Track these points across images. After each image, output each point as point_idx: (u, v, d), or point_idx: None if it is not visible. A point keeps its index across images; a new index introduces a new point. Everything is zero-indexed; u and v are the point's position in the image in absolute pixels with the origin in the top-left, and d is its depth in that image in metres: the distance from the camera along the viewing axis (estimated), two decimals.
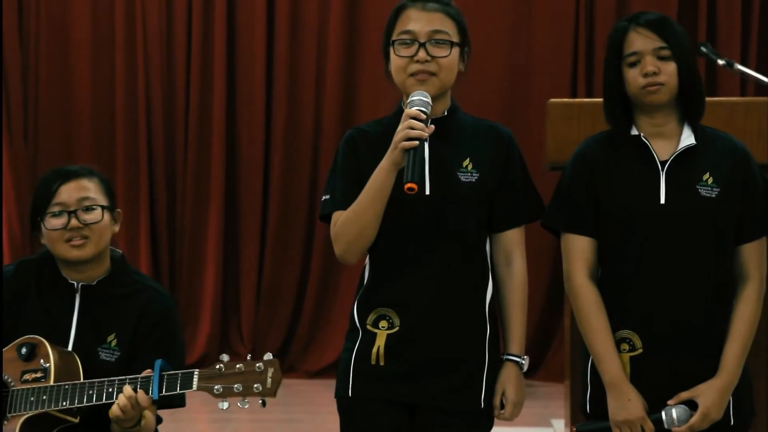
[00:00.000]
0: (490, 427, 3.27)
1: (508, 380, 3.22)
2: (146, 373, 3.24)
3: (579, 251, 3.23)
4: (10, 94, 8.54)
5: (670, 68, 3.17)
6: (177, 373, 3.20)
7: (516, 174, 3.27)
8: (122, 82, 8.56)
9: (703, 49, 5.05)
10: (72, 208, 3.42)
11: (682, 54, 3.17)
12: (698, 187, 3.18)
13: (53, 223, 3.42)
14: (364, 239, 3.13)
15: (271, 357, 3.14)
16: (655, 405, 3.16)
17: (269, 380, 3.11)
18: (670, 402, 3.15)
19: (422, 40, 3.16)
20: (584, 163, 3.25)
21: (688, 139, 3.21)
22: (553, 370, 8.24)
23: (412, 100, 3.12)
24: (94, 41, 8.60)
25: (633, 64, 3.18)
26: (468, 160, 3.21)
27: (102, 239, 3.46)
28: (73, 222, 3.41)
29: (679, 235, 3.16)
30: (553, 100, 4.17)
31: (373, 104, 8.25)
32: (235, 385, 3.12)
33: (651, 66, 3.15)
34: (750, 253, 3.22)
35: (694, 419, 3.12)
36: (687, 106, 3.21)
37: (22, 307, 3.47)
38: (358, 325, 3.21)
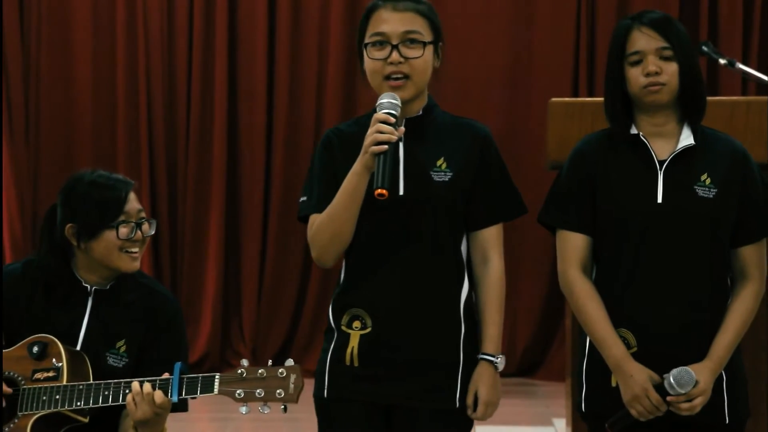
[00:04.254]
0: (470, 427, 3.25)
1: (481, 380, 3.19)
2: (166, 375, 3.24)
3: (573, 248, 3.23)
4: (11, 94, 8.55)
5: (672, 68, 3.17)
6: (198, 377, 3.19)
7: (492, 171, 3.24)
8: (123, 82, 8.56)
9: (705, 48, 5.05)
10: (135, 220, 3.45)
11: (684, 54, 3.17)
12: (696, 187, 3.18)
13: (124, 231, 3.43)
14: (339, 243, 3.14)
15: (293, 363, 3.13)
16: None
17: (291, 386, 3.10)
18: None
19: (395, 42, 3.14)
20: (582, 160, 3.24)
21: (687, 139, 3.21)
22: (555, 370, 8.25)
23: (381, 103, 3.11)
24: (95, 41, 8.60)
25: (635, 63, 3.18)
26: (442, 159, 3.19)
27: (145, 248, 3.50)
28: (137, 234, 3.44)
29: (676, 235, 3.16)
30: (554, 99, 4.17)
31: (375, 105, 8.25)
32: (257, 390, 3.11)
33: (653, 66, 3.15)
34: (750, 254, 3.22)
35: (696, 391, 3.10)
36: (687, 106, 3.21)
37: (29, 307, 3.46)
38: (333, 325, 3.21)
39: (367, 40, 3.18)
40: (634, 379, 3.13)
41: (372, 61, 3.17)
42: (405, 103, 3.15)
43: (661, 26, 3.18)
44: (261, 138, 8.61)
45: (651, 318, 3.16)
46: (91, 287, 3.46)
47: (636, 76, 3.18)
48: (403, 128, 3.08)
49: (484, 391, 3.19)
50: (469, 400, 3.19)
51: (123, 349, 3.43)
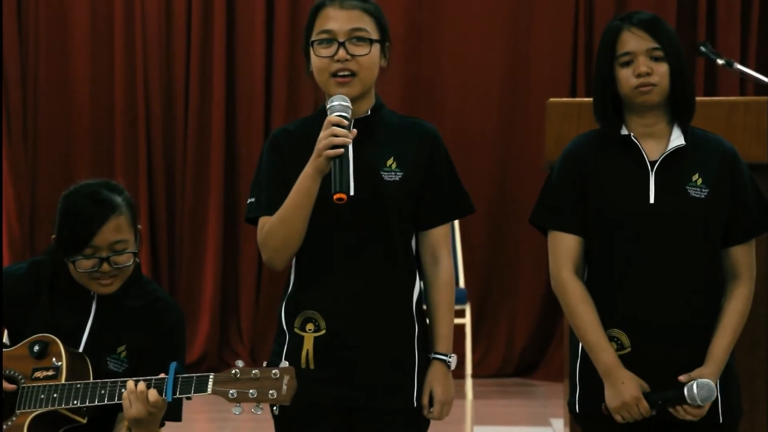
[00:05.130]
0: (426, 427, 3.25)
1: (435, 379, 3.18)
2: (162, 375, 3.24)
3: (565, 249, 3.23)
4: (9, 95, 8.55)
5: (663, 69, 3.17)
6: (192, 376, 3.19)
7: (441, 171, 3.23)
8: (121, 83, 8.57)
9: (703, 48, 5.06)
10: (105, 254, 3.38)
11: (674, 55, 3.18)
12: (687, 187, 3.18)
13: (84, 265, 3.38)
14: (291, 246, 3.14)
15: (287, 364, 3.12)
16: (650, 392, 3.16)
17: (284, 387, 3.07)
18: (682, 378, 3.13)
19: (341, 39, 3.14)
20: (573, 161, 3.25)
21: (677, 139, 3.21)
22: (552, 370, 8.25)
23: (332, 106, 3.11)
24: (93, 42, 8.61)
25: (626, 64, 3.19)
26: (392, 159, 3.18)
27: (127, 274, 3.44)
28: (105, 267, 3.38)
29: (668, 236, 3.16)
30: (552, 99, 4.17)
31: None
32: (250, 391, 3.09)
33: (644, 66, 3.16)
34: (740, 254, 3.22)
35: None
36: (677, 107, 3.22)
37: (33, 307, 3.46)
38: (285, 328, 3.20)
39: (313, 38, 3.17)
40: (625, 386, 3.13)
41: (319, 58, 3.16)
42: (352, 101, 3.16)
43: (651, 27, 3.18)
44: (259, 137, 8.61)
45: (644, 318, 3.16)
46: (94, 292, 3.46)
47: (627, 77, 3.18)
48: (355, 131, 3.08)
49: (439, 390, 3.18)
50: (425, 400, 3.18)
51: (124, 354, 3.43)
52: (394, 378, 3.17)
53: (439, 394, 3.18)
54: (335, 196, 3.02)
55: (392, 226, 3.17)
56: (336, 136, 3.04)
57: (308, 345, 3.16)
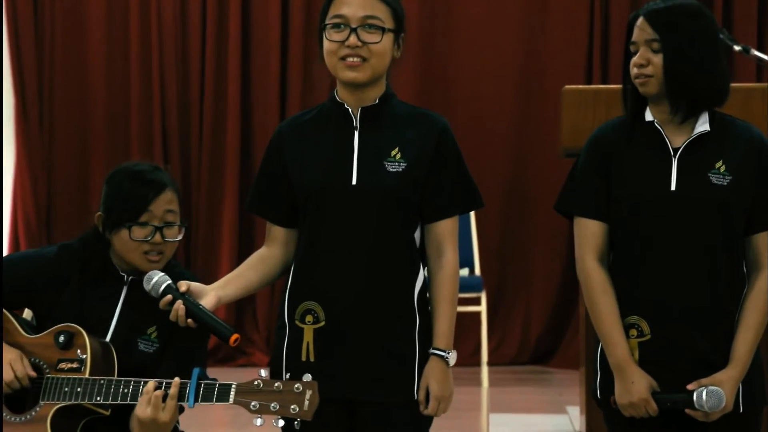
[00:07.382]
0: (431, 420, 3.22)
1: (431, 374, 3.15)
2: (177, 379, 3.25)
3: (590, 235, 3.23)
4: (25, 84, 8.57)
5: (659, 60, 3.16)
6: (214, 384, 3.19)
7: (447, 164, 3.20)
8: (137, 72, 8.58)
9: (720, 35, 5.04)
10: (158, 223, 3.45)
11: (673, 45, 3.14)
12: (710, 174, 3.17)
13: (139, 233, 3.43)
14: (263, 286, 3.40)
15: (310, 378, 3.10)
16: (662, 391, 3.15)
17: (306, 402, 3.05)
18: (690, 386, 3.13)
19: (354, 25, 3.12)
20: (598, 147, 3.24)
21: (702, 125, 3.20)
22: (568, 358, 8.25)
23: (149, 291, 3.20)
24: (108, 32, 8.62)
25: (633, 54, 3.20)
26: (397, 149, 3.17)
27: (171, 252, 3.50)
28: (157, 237, 3.44)
29: (688, 222, 3.16)
30: (567, 86, 4.17)
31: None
32: (272, 404, 3.07)
33: (639, 58, 3.17)
34: (762, 242, 3.21)
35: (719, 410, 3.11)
36: (678, 95, 3.18)
37: (62, 292, 3.48)
38: (286, 320, 3.20)
39: (327, 22, 3.16)
40: (635, 386, 3.14)
41: (330, 42, 3.15)
42: (361, 87, 3.16)
43: (653, 18, 3.17)
44: (274, 127, 8.58)
45: (664, 305, 3.15)
46: (127, 276, 3.48)
47: (631, 68, 3.19)
48: (185, 284, 3.19)
49: (434, 386, 3.15)
50: (421, 396, 3.15)
51: (154, 335, 3.46)
52: (394, 370, 3.15)
53: (435, 390, 3.15)
54: (231, 343, 3.22)
55: (393, 216, 3.14)
56: (179, 310, 3.18)
57: (308, 337, 3.15)
